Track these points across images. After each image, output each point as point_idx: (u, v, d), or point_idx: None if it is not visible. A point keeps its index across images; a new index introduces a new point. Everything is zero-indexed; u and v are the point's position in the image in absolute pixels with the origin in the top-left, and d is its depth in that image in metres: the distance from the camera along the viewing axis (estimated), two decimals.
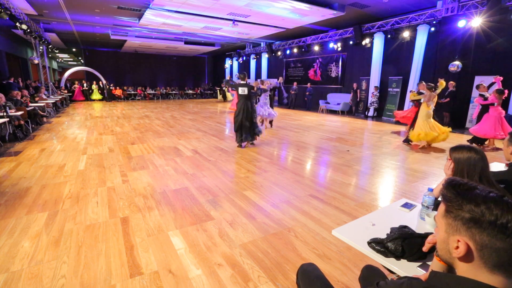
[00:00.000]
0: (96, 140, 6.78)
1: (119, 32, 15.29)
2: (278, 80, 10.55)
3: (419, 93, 6.95)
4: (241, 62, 21.09)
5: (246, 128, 6.04)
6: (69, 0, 9.58)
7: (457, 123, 9.16)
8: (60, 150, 5.80)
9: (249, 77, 20.96)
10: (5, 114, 6.51)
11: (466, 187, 0.72)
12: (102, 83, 19.85)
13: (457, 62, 8.67)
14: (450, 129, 6.55)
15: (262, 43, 18.50)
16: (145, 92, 21.98)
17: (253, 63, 20.12)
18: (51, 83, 15.96)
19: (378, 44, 11.56)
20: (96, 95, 19.66)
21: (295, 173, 4.56)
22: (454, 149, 1.59)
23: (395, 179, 4.37)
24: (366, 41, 11.83)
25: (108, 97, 19.79)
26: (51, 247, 2.42)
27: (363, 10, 10.30)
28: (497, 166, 2.72)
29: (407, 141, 6.83)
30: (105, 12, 11.07)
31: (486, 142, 6.86)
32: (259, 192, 3.72)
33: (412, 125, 6.77)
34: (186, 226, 2.81)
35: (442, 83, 6.31)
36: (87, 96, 19.52)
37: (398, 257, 1.30)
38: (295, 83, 15.73)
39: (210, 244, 2.51)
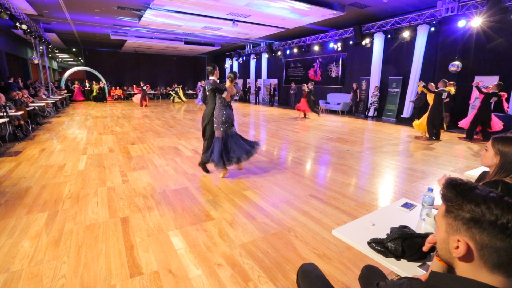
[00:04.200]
0: (96, 140, 6.78)
1: (119, 32, 15.29)
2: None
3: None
4: (241, 62, 21.07)
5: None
6: (69, 0, 9.58)
7: (457, 123, 9.15)
8: (60, 150, 5.80)
9: (249, 77, 20.94)
10: (5, 114, 6.51)
11: (466, 187, 0.72)
12: (102, 83, 19.85)
13: (457, 62, 8.67)
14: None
15: (262, 43, 18.50)
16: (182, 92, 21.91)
17: (253, 63, 20.12)
18: (51, 83, 15.97)
19: (378, 44, 11.55)
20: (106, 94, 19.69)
21: (295, 173, 4.56)
22: (500, 140, 1.45)
23: (395, 179, 4.37)
24: (366, 41, 11.83)
25: (100, 97, 18.60)
26: (51, 247, 2.42)
27: (363, 10, 10.30)
28: None
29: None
30: (105, 12, 11.07)
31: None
32: (259, 192, 3.72)
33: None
34: (186, 226, 2.81)
35: (451, 89, 7.08)
36: (87, 96, 19.50)
37: (398, 257, 1.30)
38: (293, 84, 15.74)
39: (210, 244, 2.51)
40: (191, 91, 24.23)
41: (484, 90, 7.09)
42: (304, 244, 2.52)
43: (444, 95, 7.07)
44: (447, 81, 7.38)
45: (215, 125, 4.20)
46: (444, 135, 7.90)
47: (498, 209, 0.65)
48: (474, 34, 8.53)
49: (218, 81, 4.21)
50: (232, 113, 4.25)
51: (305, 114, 11.78)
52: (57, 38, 16.59)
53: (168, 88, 21.51)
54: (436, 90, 7.14)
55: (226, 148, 4.17)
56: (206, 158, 4.22)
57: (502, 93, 6.97)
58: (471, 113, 7.42)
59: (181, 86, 20.74)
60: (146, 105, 16.32)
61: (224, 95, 4.10)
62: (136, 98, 16.98)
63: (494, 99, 6.93)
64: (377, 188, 3.96)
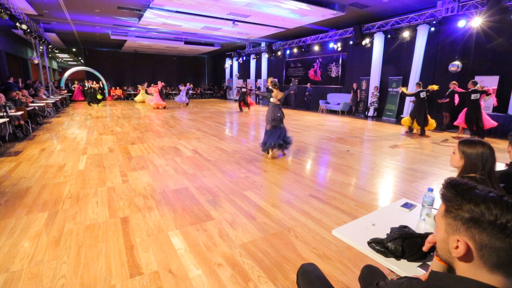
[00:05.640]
0: (96, 140, 6.78)
1: (119, 32, 15.29)
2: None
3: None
4: (241, 62, 21.07)
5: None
6: (69, 0, 9.58)
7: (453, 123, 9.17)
8: (60, 150, 5.80)
9: (249, 77, 20.98)
10: (5, 114, 6.51)
11: (466, 187, 0.72)
12: (102, 83, 19.84)
13: (457, 62, 8.67)
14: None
15: (262, 43, 18.50)
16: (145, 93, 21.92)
17: (253, 63, 20.11)
18: (51, 83, 15.95)
19: (378, 44, 11.55)
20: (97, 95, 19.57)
21: (295, 173, 4.56)
22: (465, 143, 1.52)
23: (395, 179, 4.37)
24: (366, 41, 11.83)
25: (92, 99, 16.03)
26: (51, 247, 2.42)
27: (363, 10, 10.30)
28: (497, 166, 2.72)
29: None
30: (105, 12, 11.07)
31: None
32: (259, 192, 3.72)
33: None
34: (186, 226, 2.81)
35: (433, 87, 7.78)
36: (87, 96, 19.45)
37: (398, 257, 1.30)
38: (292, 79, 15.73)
39: (210, 244, 2.51)
40: (191, 91, 23.84)
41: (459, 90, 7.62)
42: (304, 244, 2.52)
43: (423, 94, 7.72)
44: (421, 83, 8.12)
45: (266, 121, 5.39)
46: (444, 135, 7.92)
47: (497, 209, 0.65)
48: (474, 34, 8.53)
49: (274, 92, 5.33)
50: (279, 112, 5.29)
51: (248, 107, 14.33)
52: (57, 38, 16.59)
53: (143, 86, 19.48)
54: (413, 92, 8.02)
55: (273, 136, 5.24)
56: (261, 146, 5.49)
57: (487, 88, 7.28)
58: (462, 112, 7.70)
59: (146, 83, 19.24)
60: (164, 107, 14.72)
61: (271, 100, 5.20)
62: (155, 101, 14.58)
63: (476, 95, 7.13)
64: (377, 188, 3.96)
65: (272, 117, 5.25)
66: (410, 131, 8.19)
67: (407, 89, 8.58)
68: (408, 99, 10.56)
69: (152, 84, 15.61)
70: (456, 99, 8.14)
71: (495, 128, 7.82)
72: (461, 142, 1.55)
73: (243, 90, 14.12)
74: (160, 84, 14.90)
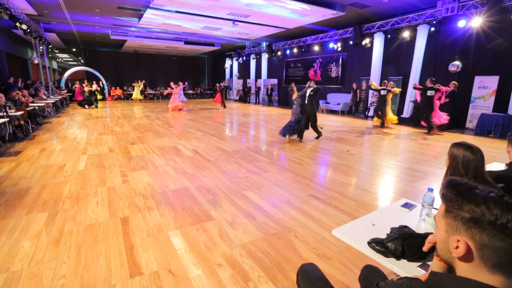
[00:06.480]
0: (96, 140, 6.78)
1: (119, 32, 15.28)
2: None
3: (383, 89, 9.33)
4: (241, 62, 21.06)
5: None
6: (69, 0, 9.58)
7: (457, 123, 9.17)
8: (60, 150, 5.80)
9: (249, 77, 21.00)
10: (5, 114, 6.51)
11: (466, 187, 0.72)
12: (102, 83, 19.82)
13: (457, 62, 8.66)
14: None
15: (262, 43, 18.50)
16: (145, 92, 21.95)
17: (253, 63, 20.11)
18: (51, 83, 15.94)
19: (378, 44, 11.55)
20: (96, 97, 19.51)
21: (295, 173, 4.56)
22: (454, 145, 1.62)
23: (395, 179, 4.37)
24: (366, 41, 11.82)
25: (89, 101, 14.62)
26: (51, 247, 2.42)
27: (363, 10, 10.30)
28: (497, 166, 2.73)
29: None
30: (105, 12, 11.07)
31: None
32: (259, 192, 3.72)
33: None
34: (186, 226, 2.81)
35: (395, 90, 9.15)
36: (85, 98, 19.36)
37: (398, 257, 1.30)
38: (292, 84, 15.71)
39: (210, 244, 2.51)
40: (191, 91, 24.14)
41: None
42: (304, 244, 2.52)
43: (383, 92, 9.04)
44: (386, 81, 9.39)
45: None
46: (444, 135, 7.93)
47: (497, 209, 0.65)
48: (474, 34, 8.52)
49: (294, 95, 7.29)
50: (295, 109, 6.92)
51: (222, 105, 15.77)
52: (57, 38, 16.58)
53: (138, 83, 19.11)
54: (378, 88, 9.33)
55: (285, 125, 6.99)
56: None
57: (441, 87, 7.90)
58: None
59: (143, 81, 19.28)
60: (180, 109, 14.05)
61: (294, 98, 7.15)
62: (175, 103, 13.86)
63: (431, 92, 7.88)
64: (377, 188, 3.96)
65: (292, 111, 7.01)
66: (381, 125, 9.46)
67: (381, 85, 9.65)
68: (407, 99, 10.59)
69: (169, 86, 14.65)
70: (418, 97, 8.79)
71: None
72: (453, 144, 1.63)
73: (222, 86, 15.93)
74: (177, 86, 14.08)
